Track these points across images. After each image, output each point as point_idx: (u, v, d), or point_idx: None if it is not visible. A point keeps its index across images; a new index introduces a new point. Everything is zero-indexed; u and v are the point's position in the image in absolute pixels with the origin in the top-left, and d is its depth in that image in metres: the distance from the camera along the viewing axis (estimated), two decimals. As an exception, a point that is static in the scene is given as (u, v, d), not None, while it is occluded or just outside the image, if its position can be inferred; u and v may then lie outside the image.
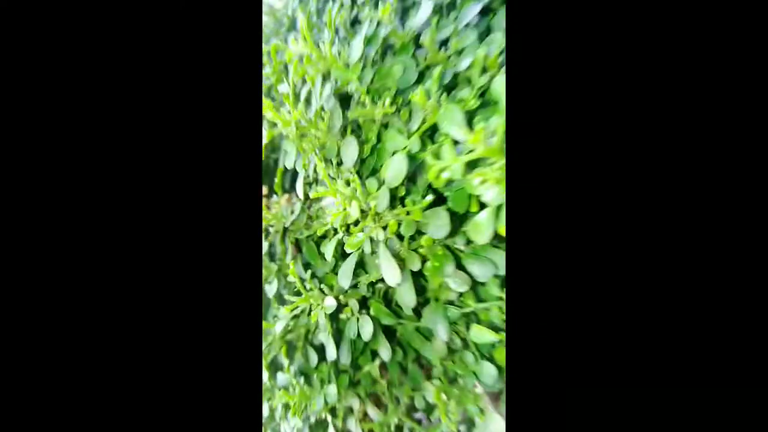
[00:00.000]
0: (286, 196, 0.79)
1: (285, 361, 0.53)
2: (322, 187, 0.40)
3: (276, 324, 0.51)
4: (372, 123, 0.44)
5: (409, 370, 0.55)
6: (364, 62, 0.45)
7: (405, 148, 0.39)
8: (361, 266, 0.50)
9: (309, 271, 0.51)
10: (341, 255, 0.55)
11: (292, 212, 0.55)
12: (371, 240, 0.43)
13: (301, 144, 0.44)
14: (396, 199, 0.41)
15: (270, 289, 0.54)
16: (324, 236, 0.58)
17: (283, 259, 0.57)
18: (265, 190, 0.84)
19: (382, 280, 0.48)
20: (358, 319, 0.48)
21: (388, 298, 0.56)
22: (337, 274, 0.55)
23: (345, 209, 0.39)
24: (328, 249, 0.42)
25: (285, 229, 0.57)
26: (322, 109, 0.45)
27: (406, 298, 0.44)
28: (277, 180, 0.56)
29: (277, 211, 0.57)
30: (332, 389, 0.52)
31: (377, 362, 0.57)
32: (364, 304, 0.53)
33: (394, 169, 0.38)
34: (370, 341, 0.49)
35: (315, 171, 0.45)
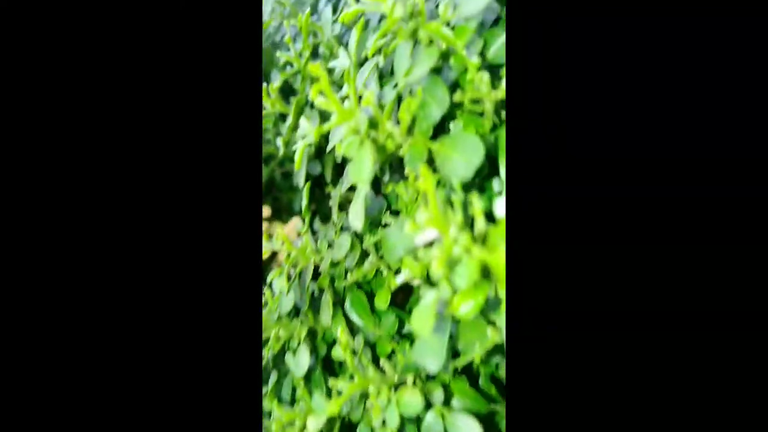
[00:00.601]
0: (294, 221, 0.63)
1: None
2: (424, 213, 0.24)
3: (309, 421, 0.33)
4: (480, 115, 0.29)
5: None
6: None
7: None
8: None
9: (359, 337, 0.34)
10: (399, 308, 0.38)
11: (330, 245, 0.38)
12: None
13: (373, 150, 0.28)
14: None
15: (298, 363, 0.37)
16: (367, 281, 0.41)
17: (310, 317, 0.40)
18: (266, 212, 0.67)
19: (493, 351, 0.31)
20: (443, 416, 0.31)
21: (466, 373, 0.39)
22: (396, 339, 0.38)
23: (453, 243, 0.24)
24: (422, 311, 0.26)
25: (315, 271, 0.40)
26: (401, 95, 0.29)
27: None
28: (305, 203, 0.40)
29: (303, 244, 0.40)
30: None
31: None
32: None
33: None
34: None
35: (394, 192, 0.29)
